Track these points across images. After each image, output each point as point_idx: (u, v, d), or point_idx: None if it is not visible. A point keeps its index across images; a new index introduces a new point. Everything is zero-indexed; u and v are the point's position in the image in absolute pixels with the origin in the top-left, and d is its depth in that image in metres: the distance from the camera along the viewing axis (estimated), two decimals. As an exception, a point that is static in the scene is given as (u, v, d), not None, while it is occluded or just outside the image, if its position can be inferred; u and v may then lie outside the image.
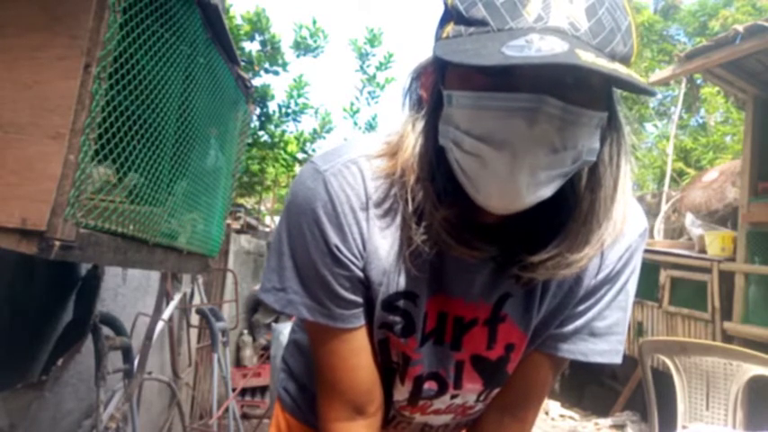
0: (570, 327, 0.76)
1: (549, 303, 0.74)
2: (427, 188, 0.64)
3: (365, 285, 0.72)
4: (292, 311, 0.72)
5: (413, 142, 0.65)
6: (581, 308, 0.75)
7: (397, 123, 0.69)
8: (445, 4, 0.59)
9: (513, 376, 0.82)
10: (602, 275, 0.74)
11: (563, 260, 0.64)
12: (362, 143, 0.73)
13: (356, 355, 0.75)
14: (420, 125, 0.65)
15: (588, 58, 0.48)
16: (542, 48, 0.48)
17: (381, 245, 0.70)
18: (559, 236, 0.64)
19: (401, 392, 0.83)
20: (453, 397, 0.83)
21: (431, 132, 0.63)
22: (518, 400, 0.84)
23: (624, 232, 0.72)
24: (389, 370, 0.80)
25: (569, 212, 0.64)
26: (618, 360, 0.78)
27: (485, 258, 0.68)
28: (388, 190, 0.69)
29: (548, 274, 0.66)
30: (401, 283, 0.71)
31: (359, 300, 0.72)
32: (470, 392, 0.82)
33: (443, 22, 0.60)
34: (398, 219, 0.69)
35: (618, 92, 0.63)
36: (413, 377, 0.80)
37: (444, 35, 0.58)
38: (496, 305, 0.74)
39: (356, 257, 0.70)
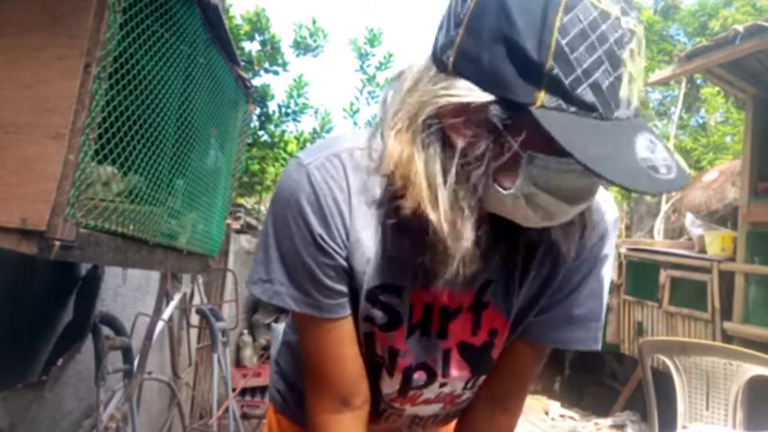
0: (550, 315, 0.80)
1: (529, 288, 0.78)
2: (438, 220, 0.63)
3: (349, 275, 0.74)
4: (279, 302, 0.73)
5: (439, 185, 0.63)
6: (559, 296, 0.80)
7: (397, 148, 0.65)
8: (528, 58, 0.55)
9: (500, 368, 0.85)
10: (577, 263, 0.78)
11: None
12: (345, 139, 0.75)
13: (342, 345, 0.77)
14: (454, 171, 0.62)
15: (676, 176, 0.55)
16: (663, 174, 0.55)
17: (364, 236, 0.72)
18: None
19: (390, 385, 0.84)
20: (442, 386, 0.85)
21: (477, 182, 0.62)
22: (505, 391, 0.88)
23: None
24: (375, 364, 0.82)
25: None
26: (596, 346, 0.82)
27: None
28: (370, 183, 0.71)
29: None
30: (385, 274, 0.73)
31: (344, 289, 0.74)
32: (458, 380, 0.85)
33: (528, 76, 0.56)
34: (381, 211, 0.71)
35: None
36: (402, 369, 0.81)
37: (538, 103, 0.56)
38: (479, 291, 0.77)
39: (339, 247, 0.72)
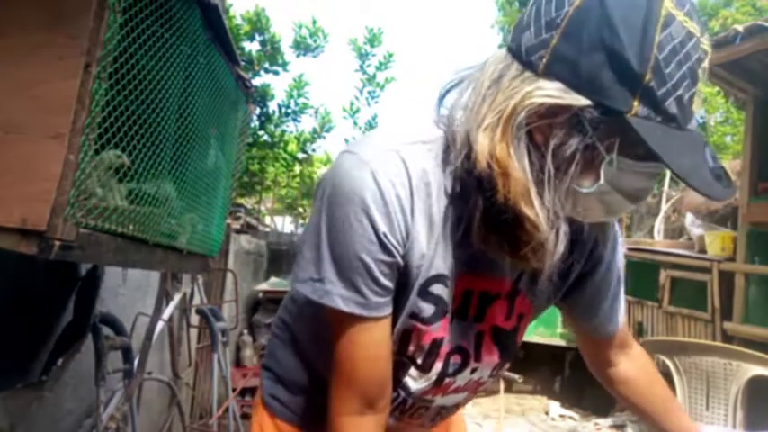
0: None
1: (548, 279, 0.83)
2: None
3: (401, 272, 0.75)
4: (328, 302, 0.73)
5: (539, 184, 0.66)
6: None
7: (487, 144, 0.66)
8: (629, 69, 0.59)
9: None
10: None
11: None
12: (397, 133, 0.77)
13: (377, 345, 0.77)
14: (549, 171, 0.65)
15: (730, 183, 0.63)
16: (724, 182, 0.63)
17: (421, 230, 0.74)
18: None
19: (425, 378, 0.85)
20: (473, 371, 0.87)
21: (569, 182, 0.66)
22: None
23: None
24: (401, 364, 0.83)
25: None
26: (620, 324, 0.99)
27: None
28: (431, 178, 0.73)
29: None
30: (436, 266, 0.75)
31: (392, 286, 0.75)
32: (488, 365, 0.88)
33: (626, 85, 0.60)
34: (436, 207, 0.74)
35: None
36: (443, 356, 0.83)
37: (632, 111, 0.61)
38: (516, 281, 0.83)
39: (400, 244, 0.73)
